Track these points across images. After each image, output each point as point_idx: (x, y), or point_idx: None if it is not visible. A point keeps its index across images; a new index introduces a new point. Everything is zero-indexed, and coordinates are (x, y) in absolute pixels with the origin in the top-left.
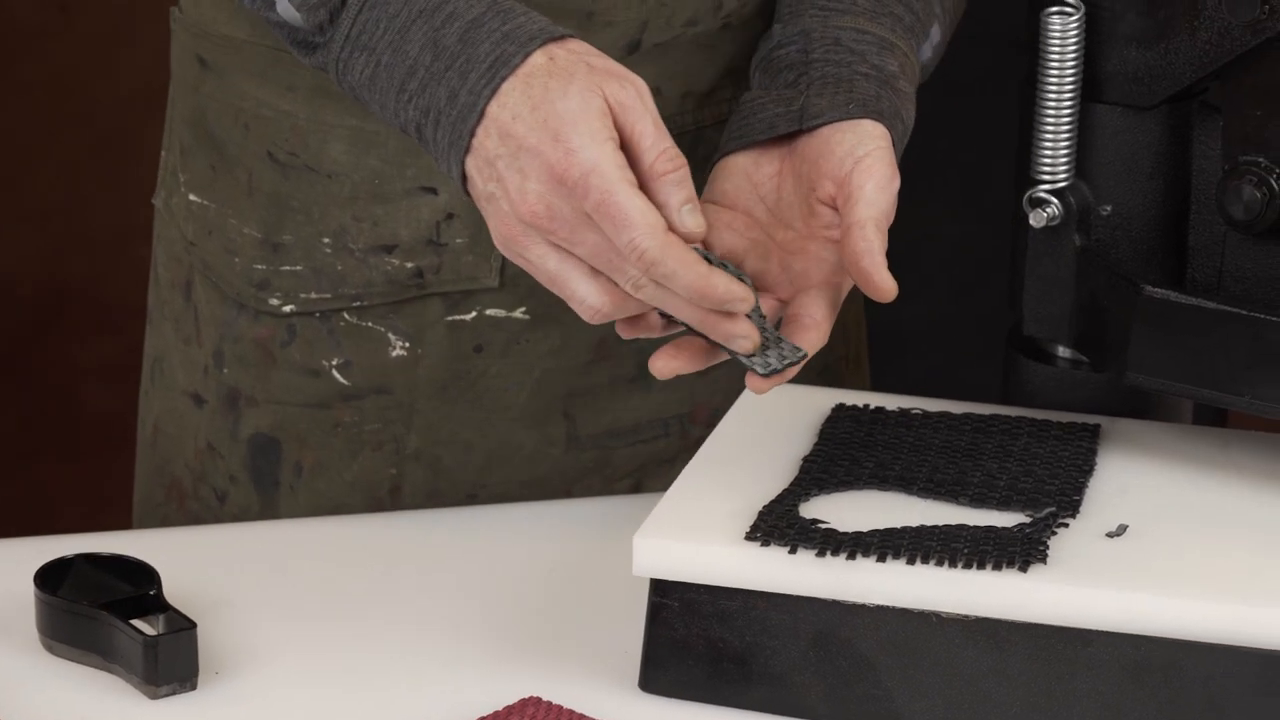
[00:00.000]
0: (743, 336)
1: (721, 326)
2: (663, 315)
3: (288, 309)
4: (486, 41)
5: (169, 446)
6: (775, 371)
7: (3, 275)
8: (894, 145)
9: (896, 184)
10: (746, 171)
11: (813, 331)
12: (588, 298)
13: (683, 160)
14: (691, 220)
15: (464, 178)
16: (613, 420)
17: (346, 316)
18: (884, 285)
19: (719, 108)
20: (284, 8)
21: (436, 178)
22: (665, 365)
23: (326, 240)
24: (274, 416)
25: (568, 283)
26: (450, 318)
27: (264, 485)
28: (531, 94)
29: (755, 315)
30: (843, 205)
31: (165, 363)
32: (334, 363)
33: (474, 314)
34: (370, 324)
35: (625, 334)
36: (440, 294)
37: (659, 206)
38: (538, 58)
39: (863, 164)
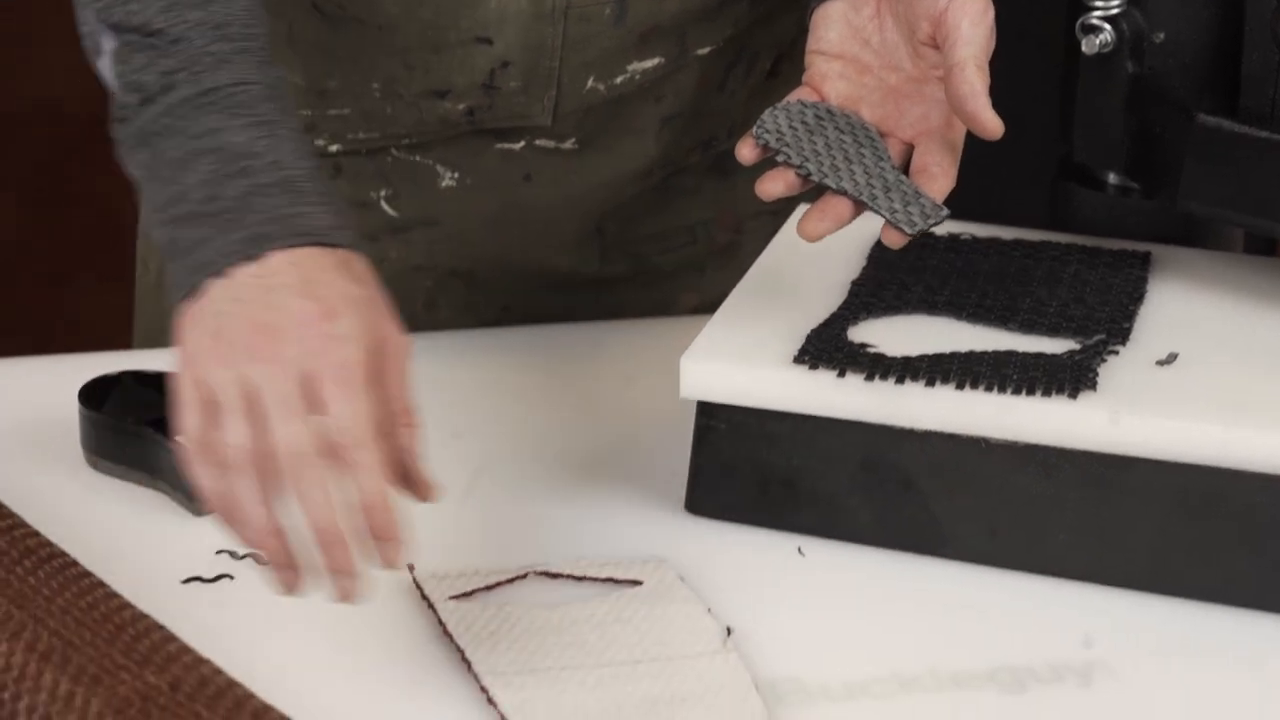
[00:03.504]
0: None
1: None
2: (799, 175)
3: (334, 148)
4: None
5: None
6: (920, 231)
7: (47, 95)
8: None
9: (991, 14)
10: (846, 17)
11: (941, 179)
12: (237, 437)
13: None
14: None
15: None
16: (640, 230)
17: (395, 153)
18: (990, 125)
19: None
20: (105, 66)
21: (491, 28)
22: (814, 228)
23: (376, 86)
24: None
25: (230, 412)
26: (499, 146)
27: None
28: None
29: (888, 167)
30: (942, 45)
31: None
32: (382, 194)
33: (523, 143)
34: (418, 158)
35: (765, 194)
36: (492, 130)
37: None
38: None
39: (956, 1)
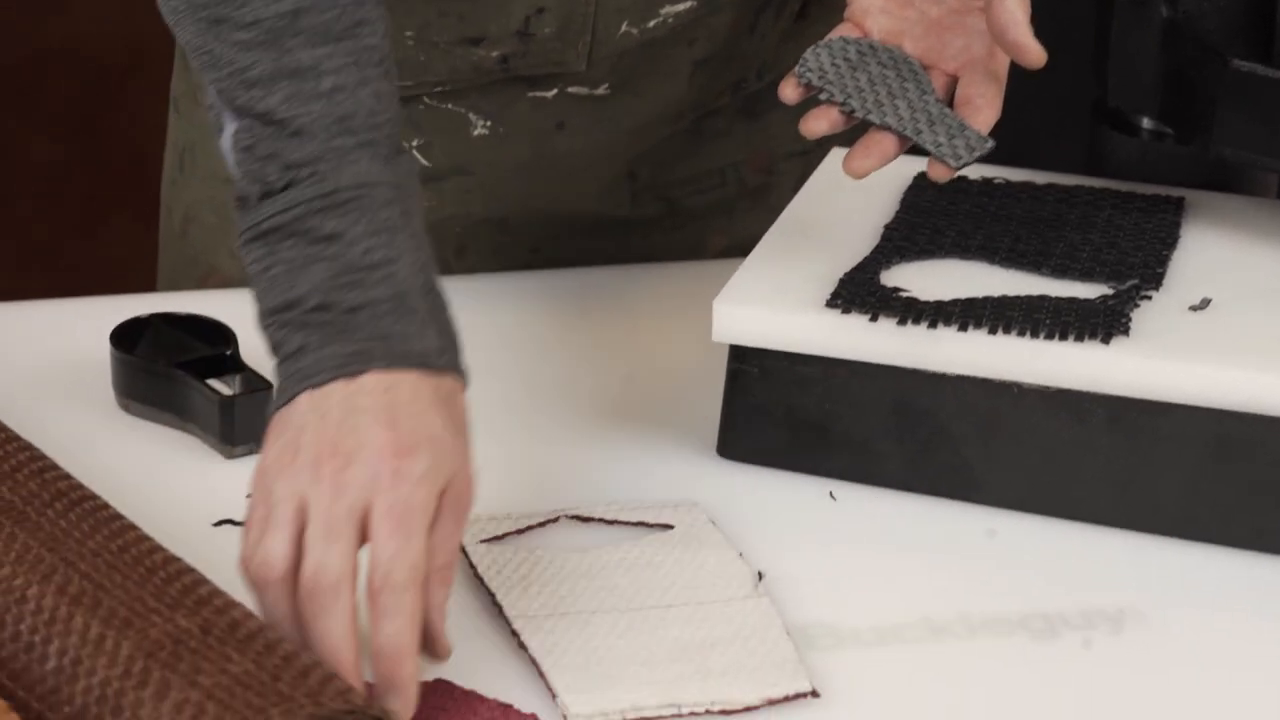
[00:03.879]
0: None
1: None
2: (842, 112)
3: None
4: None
5: (205, 237)
6: (966, 164)
7: (79, 35)
8: None
9: None
10: None
11: (986, 110)
12: (270, 555)
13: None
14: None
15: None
16: (672, 173)
17: (427, 100)
18: (1033, 52)
19: None
20: (226, 145)
21: None
22: (860, 165)
23: (409, 34)
24: None
25: (276, 527)
26: (532, 94)
27: None
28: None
29: (932, 100)
30: None
31: (198, 150)
32: (414, 143)
33: (555, 91)
34: (450, 106)
35: (810, 132)
36: (525, 77)
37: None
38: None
39: None
